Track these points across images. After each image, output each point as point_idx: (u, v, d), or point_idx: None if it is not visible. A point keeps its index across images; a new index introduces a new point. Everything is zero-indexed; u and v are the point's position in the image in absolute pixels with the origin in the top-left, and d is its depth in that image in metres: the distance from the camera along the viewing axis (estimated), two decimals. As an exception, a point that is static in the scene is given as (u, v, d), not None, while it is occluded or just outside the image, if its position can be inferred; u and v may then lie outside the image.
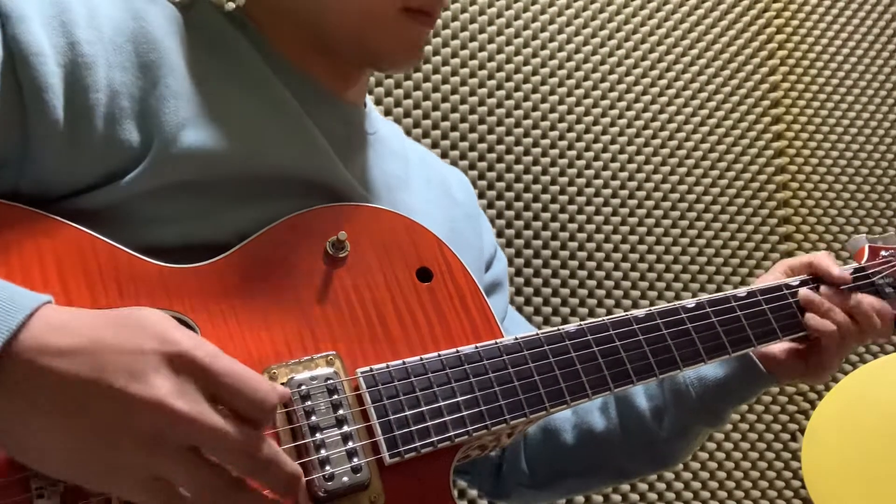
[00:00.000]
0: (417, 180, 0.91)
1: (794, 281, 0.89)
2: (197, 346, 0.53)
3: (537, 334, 0.75)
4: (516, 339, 0.73)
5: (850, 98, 1.59)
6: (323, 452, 0.63)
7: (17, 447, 0.51)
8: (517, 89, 1.40)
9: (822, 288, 0.89)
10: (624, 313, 0.79)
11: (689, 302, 0.82)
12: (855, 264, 0.93)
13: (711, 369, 0.88)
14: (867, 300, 0.88)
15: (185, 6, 0.76)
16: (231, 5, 0.85)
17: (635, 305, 1.42)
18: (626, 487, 1.37)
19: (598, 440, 0.93)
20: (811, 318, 0.86)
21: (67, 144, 0.64)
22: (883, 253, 0.95)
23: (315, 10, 0.78)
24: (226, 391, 0.53)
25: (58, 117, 0.63)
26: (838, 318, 0.86)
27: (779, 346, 0.89)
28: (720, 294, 0.84)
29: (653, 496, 1.38)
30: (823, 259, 0.90)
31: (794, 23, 1.58)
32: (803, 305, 0.88)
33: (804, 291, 0.88)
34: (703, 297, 0.83)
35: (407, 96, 1.34)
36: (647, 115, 1.47)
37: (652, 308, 0.80)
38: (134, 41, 0.67)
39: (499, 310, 0.92)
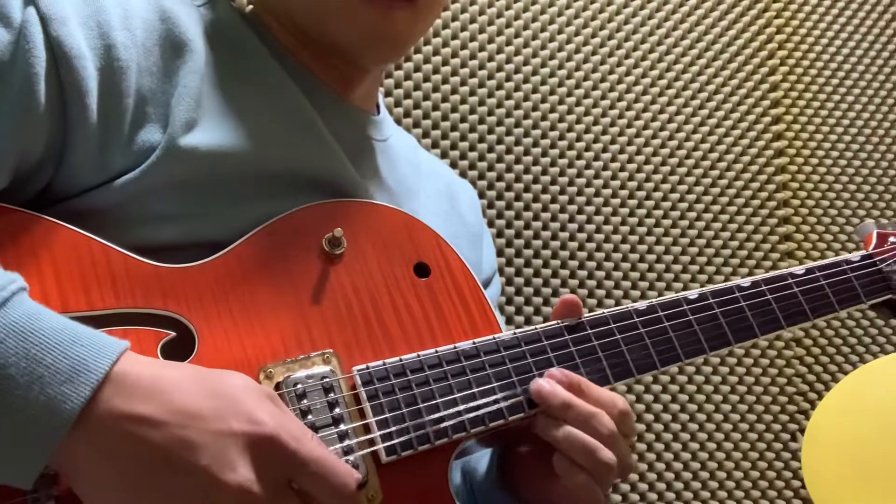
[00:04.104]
0: (427, 191, 0.91)
1: (800, 270, 0.87)
2: (282, 427, 0.54)
3: (536, 329, 0.74)
4: (514, 334, 0.73)
5: (850, 98, 1.59)
6: (320, 450, 0.63)
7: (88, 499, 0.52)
8: (517, 89, 1.40)
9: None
10: (624, 306, 0.78)
11: (693, 293, 0.82)
12: (863, 251, 0.92)
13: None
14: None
15: (206, 4, 0.77)
16: (249, 7, 0.86)
17: (635, 305, 1.41)
18: (626, 487, 1.36)
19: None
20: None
21: (97, 145, 0.65)
22: (892, 239, 0.92)
23: (286, 4, 0.79)
24: (307, 478, 0.55)
25: (93, 120, 0.64)
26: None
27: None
28: (724, 284, 0.83)
29: (653, 496, 1.37)
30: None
31: (794, 23, 1.58)
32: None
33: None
34: (705, 288, 0.82)
35: (407, 96, 1.34)
36: (647, 115, 1.46)
37: (653, 300, 0.79)
38: (161, 45, 0.68)
39: None
